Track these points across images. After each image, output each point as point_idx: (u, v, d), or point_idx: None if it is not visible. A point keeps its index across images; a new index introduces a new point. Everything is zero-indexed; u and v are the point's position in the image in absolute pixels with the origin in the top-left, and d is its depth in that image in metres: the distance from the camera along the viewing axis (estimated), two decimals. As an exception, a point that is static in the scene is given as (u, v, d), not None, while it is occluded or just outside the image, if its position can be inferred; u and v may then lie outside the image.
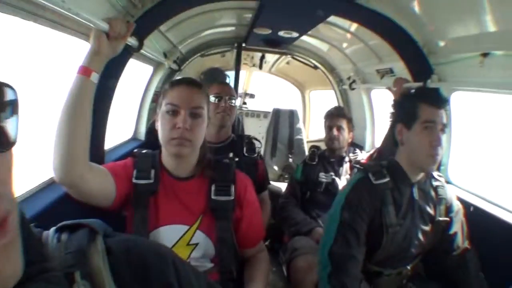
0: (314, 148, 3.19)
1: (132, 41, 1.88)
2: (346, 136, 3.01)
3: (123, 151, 2.84)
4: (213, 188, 1.58)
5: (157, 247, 0.77)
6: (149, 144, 2.44)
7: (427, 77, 2.31)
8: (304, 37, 3.61)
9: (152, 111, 3.57)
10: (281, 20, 2.96)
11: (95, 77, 1.38)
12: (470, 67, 1.95)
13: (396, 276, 1.87)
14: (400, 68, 2.68)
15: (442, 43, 2.18)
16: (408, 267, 1.89)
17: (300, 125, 4.96)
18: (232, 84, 3.78)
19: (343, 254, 1.66)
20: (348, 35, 3.26)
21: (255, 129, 5.40)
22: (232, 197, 1.59)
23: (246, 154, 2.43)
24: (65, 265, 0.62)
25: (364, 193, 1.74)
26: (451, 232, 1.85)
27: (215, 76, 3.71)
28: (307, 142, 4.99)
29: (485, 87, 1.97)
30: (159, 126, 1.56)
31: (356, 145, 3.49)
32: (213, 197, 1.57)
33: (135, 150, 1.66)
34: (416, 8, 2.10)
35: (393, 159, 1.85)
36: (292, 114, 4.95)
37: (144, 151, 1.66)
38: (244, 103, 5.83)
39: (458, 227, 1.87)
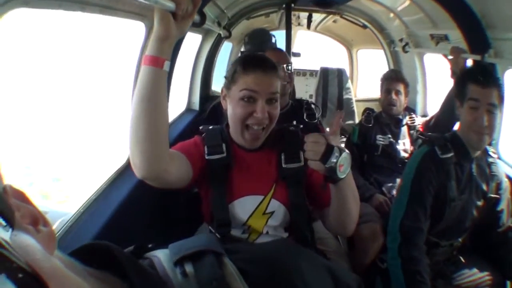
0: (369, 110, 3.24)
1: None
2: (403, 100, 3.07)
3: (183, 124, 3.00)
4: (283, 156, 1.61)
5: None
6: (211, 119, 2.57)
7: (484, 50, 2.34)
8: (356, -3, 3.57)
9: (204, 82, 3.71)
10: None
11: (167, 65, 1.21)
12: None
13: (449, 247, 2.02)
14: (456, 36, 2.70)
15: (503, 18, 2.19)
16: (460, 240, 2.03)
17: (349, 84, 4.98)
18: (283, 46, 3.84)
19: (413, 227, 1.82)
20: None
21: (302, 88, 5.44)
22: (302, 163, 1.59)
23: (306, 120, 2.47)
24: None
25: (432, 167, 1.86)
26: (499, 208, 1.98)
27: (262, 39, 3.73)
28: (356, 101, 5.03)
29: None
30: (230, 109, 1.56)
31: (409, 109, 3.52)
32: (284, 165, 1.60)
33: (201, 127, 1.67)
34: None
35: (455, 132, 1.96)
36: (340, 73, 4.96)
37: (210, 127, 1.67)
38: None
39: (505, 204, 2.00)
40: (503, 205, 1.99)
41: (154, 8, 1.14)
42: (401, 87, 3.06)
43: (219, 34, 3.70)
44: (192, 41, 3.49)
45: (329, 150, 1.28)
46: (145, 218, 1.82)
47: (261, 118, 1.47)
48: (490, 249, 2.05)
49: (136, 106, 1.20)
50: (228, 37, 3.82)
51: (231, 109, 1.53)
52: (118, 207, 1.62)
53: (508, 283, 1.96)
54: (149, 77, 1.18)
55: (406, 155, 2.99)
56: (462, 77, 1.88)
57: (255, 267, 0.70)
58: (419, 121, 3.14)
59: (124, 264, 0.57)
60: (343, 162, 1.29)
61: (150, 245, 0.79)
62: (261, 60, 1.55)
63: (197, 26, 2.11)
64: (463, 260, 2.05)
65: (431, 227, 1.90)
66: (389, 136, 3.05)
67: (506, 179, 2.02)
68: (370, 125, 3.11)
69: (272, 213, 1.58)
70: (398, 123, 3.11)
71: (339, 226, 1.56)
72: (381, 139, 3.04)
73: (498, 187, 1.99)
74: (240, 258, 0.71)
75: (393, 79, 3.09)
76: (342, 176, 1.32)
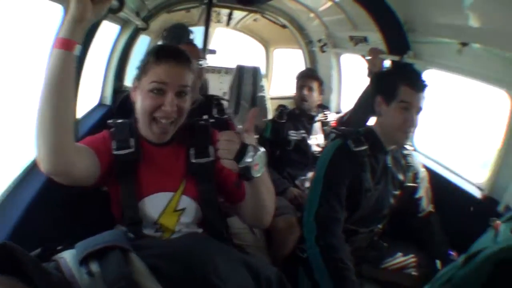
0: (282, 107, 3.34)
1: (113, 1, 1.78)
2: (315, 97, 3.23)
3: (94, 118, 2.86)
4: (191, 151, 1.60)
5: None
6: (120, 112, 2.47)
7: (403, 52, 2.58)
8: (278, -3, 3.68)
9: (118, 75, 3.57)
10: None
11: (78, 49, 1.19)
12: (448, 52, 2.20)
13: (368, 234, 2.14)
14: (376, 38, 2.90)
15: (424, 25, 2.43)
16: (379, 226, 2.17)
17: (263, 82, 5.16)
18: (200, 41, 3.84)
19: (328, 217, 1.88)
20: (326, 1, 3.44)
21: (216, 85, 5.46)
22: (212, 158, 1.60)
23: (216, 116, 2.47)
24: None
25: (344, 160, 1.95)
26: (417, 196, 2.17)
27: (180, 34, 3.69)
28: (270, 99, 5.20)
29: (459, 72, 2.28)
30: (139, 101, 1.52)
31: (323, 107, 3.69)
32: (193, 160, 1.59)
33: (109, 121, 1.62)
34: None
35: (370, 127, 2.10)
36: (255, 71, 5.14)
37: (119, 120, 1.62)
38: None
39: (424, 192, 2.19)
40: (421, 193, 2.18)
41: None
42: (314, 84, 3.22)
43: (137, 26, 3.59)
44: (107, 34, 3.34)
45: (243, 149, 1.27)
46: (56, 219, 1.69)
47: (170, 111, 1.45)
48: (414, 233, 2.23)
49: (43, 92, 1.16)
50: (145, 29, 3.72)
51: (140, 101, 1.50)
52: (26, 208, 1.52)
53: (437, 260, 2.12)
54: (58, 60, 1.16)
55: (319, 149, 3.16)
56: (393, 78, 1.97)
57: (166, 262, 0.70)
58: (332, 117, 3.33)
59: (28, 267, 0.55)
60: (258, 161, 1.29)
61: (59, 247, 0.77)
62: (174, 51, 1.53)
63: (114, 12, 2.03)
64: (385, 245, 2.20)
65: (348, 216, 2.01)
66: (302, 131, 3.20)
67: (423, 169, 2.22)
68: (283, 121, 3.23)
69: (183, 209, 1.57)
70: (311, 119, 3.27)
71: (255, 219, 1.60)
72: (293, 134, 3.17)
73: (415, 176, 2.17)
74: (150, 254, 0.71)
75: (306, 76, 3.27)
76: (257, 175, 1.31)
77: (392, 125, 1.94)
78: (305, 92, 3.20)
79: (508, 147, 1.97)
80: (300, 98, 3.24)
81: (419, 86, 1.89)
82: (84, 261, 0.65)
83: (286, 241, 2.40)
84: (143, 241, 1.38)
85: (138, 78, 1.52)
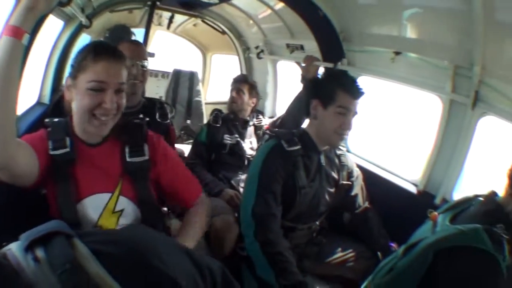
0: (217, 111, 3.38)
1: None
2: (245, 99, 3.31)
3: (32, 117, 2.72)
4: (127, 150, 1.58)
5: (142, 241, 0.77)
6: (56, 112, 2.37)
7: (337, 59, 2.77)
8: (219, 2, 3.76)
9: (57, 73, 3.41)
10: None
11: (26, 39, 1.19)
12: (382, 60, 2.40)
13: (307, 230, 2.21)
14: (312, 46, 3.07)
15: (359, 35, 2.63)
16: (317, 223, 2.25)
17: (199, 87, 5.17)
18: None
19: (265, 213, 1.93)
20: (266, 8, 3.54)
21: (153, 89, 5.29)
22: (147, 157, 1.59)
23: (158, 120, 2.44)
24: (68, 286, 0.61)
25: (278, 159, 2.02)
26: (353, 193, 2.31)
27: (122, 35, 3.63)
28: (206, 104, 5.22)
29: (393, 78, 2.49)
30: (76, 100, 1.48)
31: (257, 111, 3.76)
32: (128, 159, 1.57)
33: (46, 120, 1.58)
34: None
35: (304, 129, 2.19)
36: (192, 76, 5.14)
37: (56, 119, 1.58)
38: None
39: (358, 189, 2.34)
40: (356, 190, 2.32)
41: None
42: (244, 87, 3.31)
43: (80, 22, 3.45)
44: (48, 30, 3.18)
45: None
46: None
47: (110, 109, 1.44)
48: (352, 229, 2.37)
49: None
50: (89, 26, 3.57)
51: (78, 100, 1.46)
52: None
53: (379, 253, 2.26)
54: (7, 48, 1.15)
55: (252, 152, 3.26)
56: (331, 84, 2.03)
57: (109, 247, 0.69)
58: (265, 121, 3.45)
59: None
60: None
61: (3, 243, 0.75)
62: (111, 49, 1.52)
63: (63, 6, 2.01)
64: (324, 241, 2.29)
65: (285, 213, 2.06)
66: (236, 135, 3.26)
67: (356, 168, 2.37)
68: (218, 125, 3.26)
69: (122, 211, 1.55)
70: (245, 124, 3.36)
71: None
72: (228, 138, 3.22)
73: (349, 175, 2.30)
74: (92, 240, 0.70)
75: (238, 81, 3.36)
76: None
77: (328, 128, 2.03)
78: (234, 94, 3.30)
79: (441, 146, 2.17)
80: (230, 101, 3.33)
81: (356, 92, 1.99)
82: (29, 248, 0.65)
83: (225, 240, 2.41)
84: (86, 230, 1.37)
85: (73, 76, 1.46)
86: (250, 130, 3.38)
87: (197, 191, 1.81)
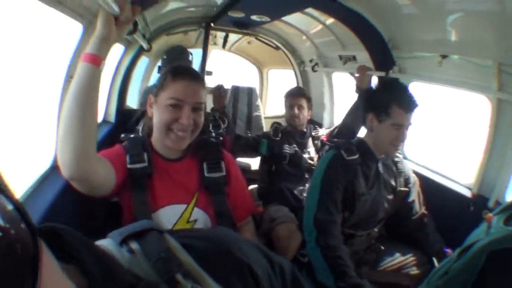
0: (277, 124, 3.46)
1: None
2: (305, 114, 3.37)
3: (100, 135, 2.98)
4: (205, 166, 1.70)
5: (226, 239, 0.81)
6: (123, 127, 2.55)
7: (389, 67, 2.81)
8: (272, 21, 3.89)
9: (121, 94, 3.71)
10: (258, 5, 3.19)
11: (103, 65, 1.32)
12: (430, 64, 2.42)
13: (366, 237, 2.26)
14: (363, 56, 3.13)
15: (406, 41, 2.67)
16: (376, 230, 2.30)
17: (258, 102, 5.32)
18: (198, 64, 4.03)
19: (326, 220, 2.02)
20: (317, 23, 3.64)
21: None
22: (224, 173, 1.72)
23: (211, 131, 2.62)
24: (160, 272, 0.64)
25: (338, 167, 2.10)
26: (410, 200, 2.32)
27: (180, 56, 3.80)
28: (265, 118, 5.34)
29: (441, 82, 2.49)
30: (156, 115, 1.61)
31: (315, 123, 3.90)
32: (206, 174, 1.69)
33: (122, 135, 1.73)
34: (388, 10, 2.55)
35: (361, 138, 2.26)
36: (250, 91, 5.29)
37: (131, 135, 1.73)
38: None
39: (415, 195, 2.34)
40: (413, 197, 2.32)
41: (98, 11, 1.28)
42: (303, 102, 3.35)
43: (141, 46, 3.76)
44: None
45: None
46: (69, 226, 1.79)
47: (186, 125, 1.56)
48: (409, 235, 2.36)
49: (71, 101, 1.26)
50: (149, 50, 3.89)
51: (158, 115, 1.60)
52: (42, 215, 1.59)
53: (434, 259, 2.27)
54: (86, 73, 1.26)
55: (311, 162, 3.31)
56: (385, 98, 2.07)
57: (196, 241, 0.73)
58: (322, 132, 3.50)
59: (77, 247, 0.56)
60: None
61: None
62: (189, 70, 1.68)
63: (130, 34, 2.20)
64: (382, 248, 2.31)
65: (345, 220, 2.13)
66: (295, 146, 3.32)
67: (413, 175, 2.38)
68: (278, 138, 3.35)
69: (195, 221, 1.65)
70: (303, 135, 3.41)
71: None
72: (287, 148, 3.29)
73: (406, 181, 2.32)
74: (181, 236, 0.74)
75: (295, 95, 3.38)
76: None
77: (384, 141, 2.10)
78: (296, 111, 3.32)
79: (492, 148, 2.15)
80: (291, 117, 3.36)
81: (410, 107, 2.03)
82: (123, 243, 0.69)
83: (289, 247, 2.49)
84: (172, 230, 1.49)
85: (156, 94, 1.62)
86: (309, 140, 3.44)
87: (249, 211, 1.93)
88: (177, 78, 1.58)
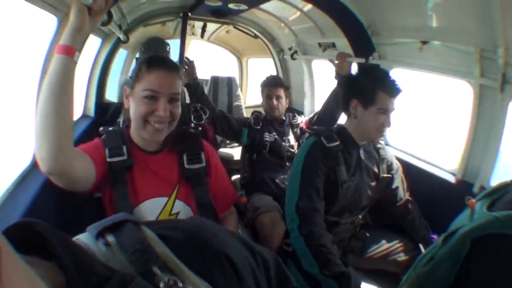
0: (257, 113, 3.45)
1: None
2: (284, 103, 3.39)
3: (79, 129, 2.93)
4: (185, 157, 1.70)
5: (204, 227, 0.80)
6: (103, 121, 2.49)
7: (369, 54, 2.80)
8: (249, 9, 3.85)
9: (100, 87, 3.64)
10: None
11: (77, 56, 1.31)
12: (410, 50, 2.41)
13: (350, 224, 2.27)
14: (343, 43, 3.10)
15: (386, 27, 2.65)
16: (360, 217, 2.31)
17: (238, 91, 5.30)
18: (177, 55, 3.92)
19: (308, 208, 1.99)
20: (295, 10, 3.59)
21: None
22: (204, 164, 1.72)
23: (194, 122, 2.56)
24: (137, 265, 0.63)
25: (319, 154, 2.08)
26: (393, 186, 2.33)
27: (158, 47, 3.77)
28: (245, 108, 5.34)
29: (422, 68, 2.48)
30: (132, 107, 1.60)
31: (296, 111, 3.90)
32: (186, 166, 1.68)
33: (101, 129, 1.70)
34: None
35: (342, 125, 2.25)
36: (230, 81, 5.28)
37: (110, 128, 1.70)
38: None
39: (399, 182, 2.35)
40: (397, 183, 2.33)
41: (70, 3, 1.26)
42: (281, 92, 3.36)
43: (118, 38, 3.69)
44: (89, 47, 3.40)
45: None
46: (51, 223, 1.75)
47: (163, 116, 1.54)
48: (395, 222, 2.37)
49: (45, 94, 1.25)
50: (126, 42, 3.82)
51: (134, 107, 1.59)
52: (24, 212, 1.56)
53: (420, 245, 2.29)
54: (60, 65, 1.26)
55: (292, 150, 3.31)
56: (370, 84, 2.06)
57: (172, 232, 0.73)
58: (301, 120, 3.50)
59: (53, 243, 0.55)
60: None
61: None
62: (164, 60, 1.63)
63: (104, 25, 2.15)
64: (367, 235, 2.32)
65: (328, 208, 2.12)
66: (274, 134, 3.33)
67: (396, 161, 2.39)
68: (259, 127, 3.34)
69: (177, 213, 1.65)
70: (282, 123, 3.42)
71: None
72: (267, 137, 3.29)
73: (389, 168, 2.33)
74: (158, 227, 0.73)
75: (273, 85, 3.37)
76: None
77: (370, 126, 2.09)
78: (275, 102, 3.33)
79: (475, 133, 2.16)
80: (270, 108, 3.36)
81: (395, 92, 2.04)
82: (99, 236, 0.68)
83: (273, 236, 2.50)
84: (151, 220, 1.45)
85: (131, 86, 1.59)
86: (287, 129, 3.44)
87: (231, 201, 1.94)
88: (152, 69, 1.55)
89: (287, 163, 3.24)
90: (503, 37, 1.71)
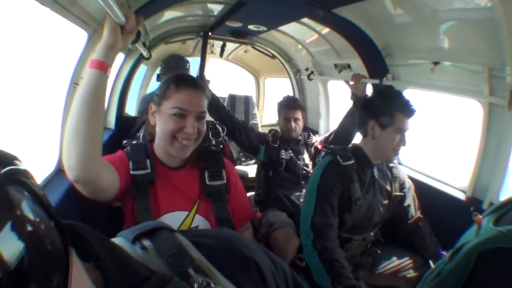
0: (275, 131, 3.46)
1: None
2: (301, 125, 3.42)
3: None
4: (206, 174, 1.73)
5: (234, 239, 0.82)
6: (122, 134, 2.56)
7: (383, 75, 2.87)
8: (268, 30, 3.94)
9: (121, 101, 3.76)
10: (255, 15, 3.26)
11: (109, 71, 1.36)
12: (422, 71, 2.47)
13: (362, 241, 2.30)
14: (358, 64, 3.19)
15: (399, 49, 2.72)
16: (372, 234, 2.34)
17: (255, 110, 5.36)
18: (195, 72, 4.05)
19: (322, 224, 2.04)
20: (313, 33, 3.69)
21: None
22: (225, 181, 1.75)
23: (211, 139, 2.63)
24: (173, 267, 0.66)
25: (334, 173, 2.13)
26: (405, 204, 2.36)
27: (178, 64, 3.82)
28: (262, 126, 5.38)
29: (434, 88, 2.55)
30: (160, 124, 1.64)
31: (311, 130, 3.92)
32: (208, 182, 1.71)
33: (125, 142, 1.75)
34: (382, 20, 2.61)
35: (357, 145, 2.30)
36: (247, 100, 5.36)
37: (134, 142, 1.74)
38: None
39: (411, 200, 2.38)
40: (408, 201, 2.36)
41: (103, 20, 1.37)
42: (298, 114, 3.38)
43: (141, 54, 3.80)
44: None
45: None
46: None
47: (191, 133, 1.59)
48: (405, 239, 2.39)
49: (78, 105, 1.30)
50: (149, 58, 3.92)
51: (162, 124, 1.62)
52: None
53: (430, 261, 2.31)
54: (93, 79, 1.31)
55: (306, 169, 3.34)
56: (389, 106, 2.11)
57: (205, 239, 0.75)
58: (315, 139, 3.52)
59: (92, 242, 0.58)
60: None
61: None
62: (192, 80, 1.69)
63: (133, 43, 2.23)
64: (379, 252, 2.35)
65: (341, 224, 2.16)
66: (290, 152, 3.35)
67: (408, 180, 2.43)
68: (276, 145, 3.35)
69: (196, 227, 1.67)
70: (298, 142, 3.44)
71: None
72: (283, 154, 3.31)
73: (402, 186, 2.36)
74: (190, 235, 0.75)
75: (291, 108, 3.38)
76: None
77: (387, 147, 2.14)
78: (293, 124, 3.35)
79: (485, 151, 2.19)
80: (287, 130, 3.38)
81: (411, 112, 2.09)
82: (135, 241, 0.71)
83: (287, 251, 2.51)
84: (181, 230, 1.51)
85: (158, 103, 1.64)
86: (302, 148, 3.46)
87: (248, 217, 1.97)
88: (181, 88, 1.60)
89: (302, 181, 3.27)
90: (511, 55, 1.76)
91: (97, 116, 1.33)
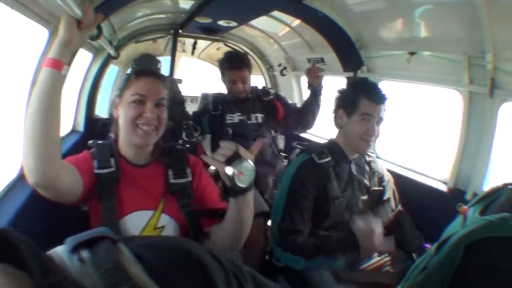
0: (217, 94, 3.16)
1: None
2: (250, 83, 3.01)
3: (69, 144, 2.88)
4: (170, 172, 1.69)
5: (183, 246, 0.78)
6: (92, 136, 2.48)
7: (357, 67, 2.79)
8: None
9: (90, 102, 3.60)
10: (224, 10, 3.17)
11: (66, 70, 1.30)
12: (398, 62, 2.42)
13: None
14: (331, 58, 3.11)
15: (373, 40, 2.65)
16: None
17: (228, 108, 5.22)
18: (167, 71, 3.97)
19: (289, 229, 1.97)
20: (284, 26, 3.61)
21: None
22: (190, 178, 1.70)
23: (185, 139, 2.54)
24: (108, 284, 0.62)
25: (308, 174, 2.05)
26: (385, 198, 2.28)
27: (149, 63, 3.74)
28: None
29: (411, 79, 2.49)
30: (122, 114, 1.60)
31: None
32: (172, 181, 1.67)
33: (90, 142, 1.69)
34: (354, 9, 2.53)
35: (333, 140, 2.21)
36: None
37: (99, 141, 1.69)
38: None
39: (390, 193, 2.31)
40: (388, 195, 2.29)
41: (60, 16, 1.26)
42: (246, 73, 2.96)
43: (109, 54, 3.68)
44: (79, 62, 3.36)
45: (235, 156, 1.32)
46: (37, 234, 1.71)
47: (150, 118, 1.55)
48: (387, 233, 2.25)
49: (34, 107, 1.25)
50: (116, 57, 3.81)
51: (123, 113, 1.59)
52: (10, 222, 1.57)
53: (414, 255, 2.23)
54: (48, 79, 1.25)
55: (259, 129, 3.03)
56: (353, 93, 2.04)
57: (151, 251, 0.71)
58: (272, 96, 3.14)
59: (26, 256, 0.54)
60: (243, 170, 1.31)
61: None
62: (151, 70, 1.69)
63: (94, 39, 2.13)
64: None
65: (319, 223, 2.08)
66: (239, 114, 3.00)
67: (387, 173, 2.35)
68: (219, 111, 3.02)
69: (163, 227, 1.63)
70: (246, 100, 3.04)
71: (230, 242, 1.59)
72: (229, 119, 2.98)
73: (380, 180, 2.29)
74: (136, 245, 0.71)
75: (238, 68, 2.94)
76: (241, 185, 1.33)
77: (354, 134, 2.05)
78: (240, 85, 2.96)
79: (466, 141, 2.14)
80: (236, 92, 2.99)
81: (378, 98, 2.00)
82: (75, 250, 0.66)
83: (255, 244, 2.43)
84: (131, 235, 1.43)
85: (120, 95, 1.61)
86: (254, 105, 3.07)
87: (219, 208, 1.83)
88: (140, 76, 1.60)
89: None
90: (491, 42, 1.71)
91: (53, 117, 1.27)
